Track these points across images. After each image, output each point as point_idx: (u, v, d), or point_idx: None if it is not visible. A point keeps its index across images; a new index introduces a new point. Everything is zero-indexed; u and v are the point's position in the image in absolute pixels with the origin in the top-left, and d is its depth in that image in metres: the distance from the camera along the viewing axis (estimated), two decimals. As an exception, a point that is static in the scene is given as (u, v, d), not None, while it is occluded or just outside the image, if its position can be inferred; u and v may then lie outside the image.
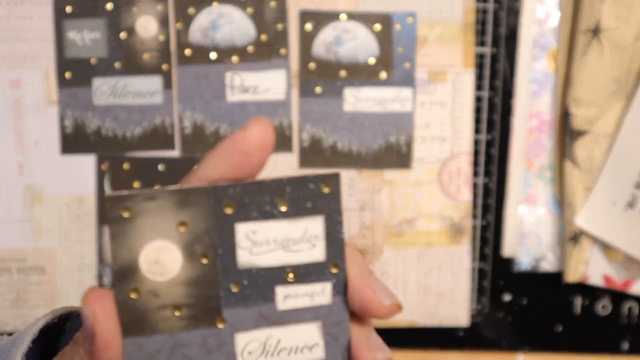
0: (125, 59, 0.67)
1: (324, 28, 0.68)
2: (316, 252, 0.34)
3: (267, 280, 0.33)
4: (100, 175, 0.68)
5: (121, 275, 0.32)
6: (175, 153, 0.68)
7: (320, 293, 0.34)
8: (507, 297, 0.73)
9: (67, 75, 0.67)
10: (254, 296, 0.33)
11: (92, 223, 0.68)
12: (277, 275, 0.34)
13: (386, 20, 0.68)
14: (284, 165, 0.68)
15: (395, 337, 0.69)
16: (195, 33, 0.67)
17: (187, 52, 0.67)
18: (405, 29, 0.68)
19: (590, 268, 0.71)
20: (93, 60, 0.67)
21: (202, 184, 0.32)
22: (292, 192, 0.33)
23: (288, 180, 0.33)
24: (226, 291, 0.33)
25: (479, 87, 0.70)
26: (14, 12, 0.66)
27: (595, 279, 0.71)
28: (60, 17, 0.66)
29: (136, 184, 0.67)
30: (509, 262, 0.72)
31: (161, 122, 0.67)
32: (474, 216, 0.71)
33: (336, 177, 0.33)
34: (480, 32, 0.69)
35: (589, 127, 0.68)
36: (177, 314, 0.33)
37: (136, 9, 0.66)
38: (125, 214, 0.32)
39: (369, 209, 0.69)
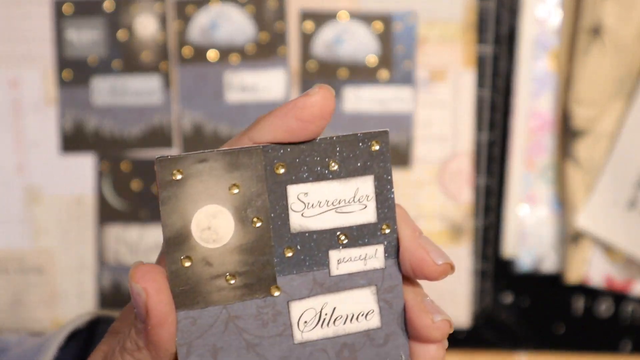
0: (124, 58, 0.67)
1: (324, 28, 0.68)
2: (367, 213, 0.33)
3: (320, 244, 0.32)
4: (100, 175, 0.67)
5: (173, 243, 0.31)
6: (174, 152, 0.68)
7: (373, 256, 0.33)
8: (508, 298, 0.72)
9: (66, 74, 0.67)
10: (308, 261, 0.32)
11: (91, 223, 0.68)
12: (329, 238, 0.32)
13: (386, 20, 0.68)
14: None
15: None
16: (195, 32, 0.67)
17: (186, 51, 0.67)
18: (405, 28, 0.68)
19: (591, 269, 0.70)
20: (92, 60, 0.67)
21: (253, 145, 0.31)
22: (342, 151, 0.32)
23: (338, 139, 0.32)
24: (280, 257, 0.32)
25: (479, 87, 0.69)
26: (12, 12, 0.66)
27: (597, 280, 0.71)
28: (59, 17, 0.66)
29: (135, 184, 0.67)
30: (509, 262, 0.72)
31: (160, 121, 0.67)
32: (475, 216, 0.70)
33: (386, 134, 0.32)
34: (481, 32, 0.69)
35: (590, 127, 0.68)
36: (231, 283, 0.31)
37: (135, 8, 0.66)
38: (177, 176, 0.31)
39: (368, 209, 0.69)
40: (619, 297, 0.72)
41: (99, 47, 0.67)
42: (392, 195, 0.33)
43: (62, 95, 0.67)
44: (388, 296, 0.33)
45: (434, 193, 0.70)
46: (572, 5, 0.68)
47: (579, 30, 0.67)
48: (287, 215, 0.32)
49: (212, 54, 0.67)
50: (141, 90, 0.67)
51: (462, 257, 0.70)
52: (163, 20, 0.67)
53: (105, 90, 0.67)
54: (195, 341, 0.31)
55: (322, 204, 0.32)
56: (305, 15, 0.68)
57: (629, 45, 0.66)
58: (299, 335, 0.33)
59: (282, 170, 0.32)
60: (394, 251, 0.33)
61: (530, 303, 0.72)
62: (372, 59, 0.68)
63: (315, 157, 0.32)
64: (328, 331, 0.33)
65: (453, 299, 0.70)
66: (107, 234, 0.68)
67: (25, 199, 0.67)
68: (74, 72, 0.67)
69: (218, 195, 0.31)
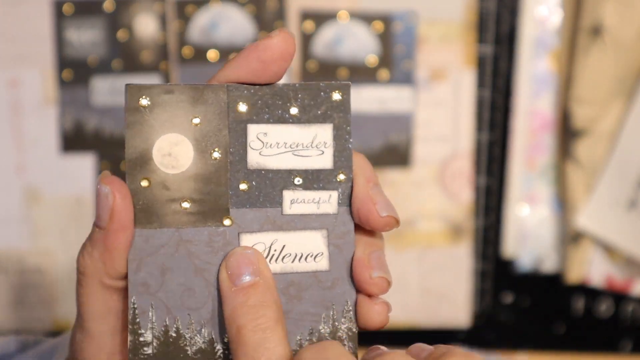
0: (124, 58, 0.67)
1: (324, 28, 0.68)
2: (324, 159, 0.34)
3: (275, 183, 0.34)
4: (99, 175, 0.67)
5: (134, 164, 0.33)
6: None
7: (327, 201, 0.34)
8: (508, 298, 0.72)
9: (66, 74, 0.67)
10: (262, 198, 0.34)
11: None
12: (285, 178, 0.34)
13: (386, 20, 0.68)
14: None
15: (396, 339, 0.68)
16: (194, 32, 0.67)
17: (186, 51, 0.67)
18: (405, 28, 0.68)
19: (592, 269, 0.70)
20: (91, 60, 0.67)
21: (218, 84, 0.34)
22: (304, 98, 0.34)
23: (301, 85, 0.34)
24: (235, 190, 0.34)
25: (479, 87, 0.69)
26: (12, 12, 0.66)
27: (597, 280, 0.71)
28: (58, 17, 0.66)
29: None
30: (510, 262, 0.72)
31: (160, 121, 0.67)
32: (475, 217, 0.70)
33: (347, 86, 0.34)
34: (481, 32, 0.69)
35: (591, 127, 0.68)
36: (185, 207, 0.33)
37: (134, 8, 0.66)
38: (144, 103, 0.33)
39: (369, 209, 0.69)
40: (619, 297, 0.72)
41: (99, 47, 0.67)
42: (350, 145, 0.34)
43: (62, 95, 0.67)
44: (339, 242, 0.34)
45: (434, 193, 0.70)
46: (572, 5, 0.68)
47: (579, 30, 0.67)
48: (245, 152, 0.34)
49: (212, 54, 0.67)
50: (141, 90, 0.67)
51: (462, 257, 0.70)
52: (163, 21, 0.67)
53: (105, 90, 0.67)
54: (146, 258, 0.33)
55: (280, 145, 0.34)
56: (305, 15, 0.68)
57: (629, 45, 0.66)
58: None
59: (244, 109, 0.34)
60: (348, 199, 0.34)
61: (530, 303, 0.72)
62: (372, 59, 0.68)
63: (277, 100, 0.34)
64: (276, 267, 0.34)
65: (453, 299, 0.70)
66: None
67: (25, 199, 0.67)
68: (74, 72, 0.67)
69: (181, 125, 0.33)
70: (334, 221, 0.34)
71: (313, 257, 0.35)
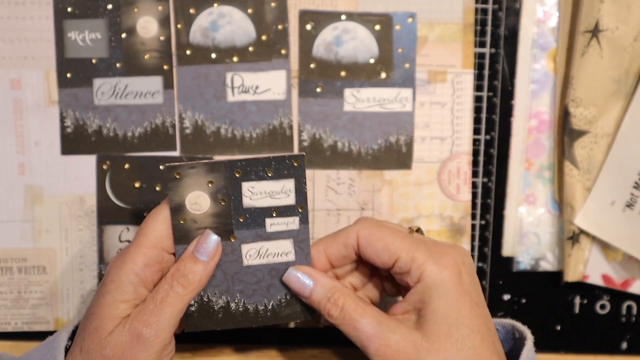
0: (126, 59, 0.67)
1: (324, 28, 0.68)
2: (289, 199, 0.58)
3: (260, 215, 0.57)
4: (101, 176, 0.68)
5: (175, 211, 0.56)
6: (175, 153, 0.68)
7: (292, 223, 0.58)
8: (506, 297, 0.73)
9: (68, 75, 0.67)
10: (253, 224, 0.57)
11: (93, 223, 0.68)
12: (266, 212, 0.57)
13: (386, 20, 0.68)
14: (284, 165, 0.68)
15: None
16: (196, 33, 0.67)
17: (188, 52, 0.67)
18: (405, 29, 0.68)
19: (590, 268, 0.71)
20: (94, 61, 0.67)
21: (222, 160, 0.56)
22: (275, 165, 0.57)
23: (273, 157, 0.56)
24: (236, 220, 0.57)
25: (478, 87, 0.70)
26: (14, 12, 0.66)
27: (595, 279, 0.71)
28: (60, 17, 0.66)
29: (137, 184, 0.67)
30: (508, 261, 0.72)
31: (162, 122, 0.68)
32: (474, 216, 0.71)
33: (302, 156, 0.57)
34: (480, 33, 0.69)
35: (589, 127, 0.68)
36: None
37: (137, 9, 0.66)
38: (177, 176, 0.56)
39: (369, 209, 0.69)
40: (617, 296, 0.73)
41: (101, 48, 0.67)
42: (305, 190, 0.57)
43: (63, 95, 0.67)
44: (301, 245, 0.58)
45: (434, 193, 0.70)
46: (569, 6, 0.69)
47: (576, 31, 0.67)
48: (241, 199, 0.57)
49: (213, 55, 0.67)
50: (143, 91, 0.67)
51: (461, 256, 0.70)
52: (165, 21, 0.67)
53: (107, 91, 0.67)
54: None
55: (262, 193, 0.57)
56: (305, 15, 0.68)
57: (627, 45, 0.66)
58: (246, 262, 0.58)
59: (238, 174, 0.57)
60: (305, 220, 0.58)
61: (528, 302, 0.73)
62: (372, 59, 0.68)
63: (259, 167, 0.57)
64: (263, 260, 0.58)
65: (452, 297, 0.71)
66: (108, 234, 0.68)
67: (27, 199, 0.68)
68: (75, 72, 0.67)
69: (201, 186, 0.56)
70: (297, 233, 0.58)
71: (285, 254, 0.58)
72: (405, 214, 0.70)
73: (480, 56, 0.70)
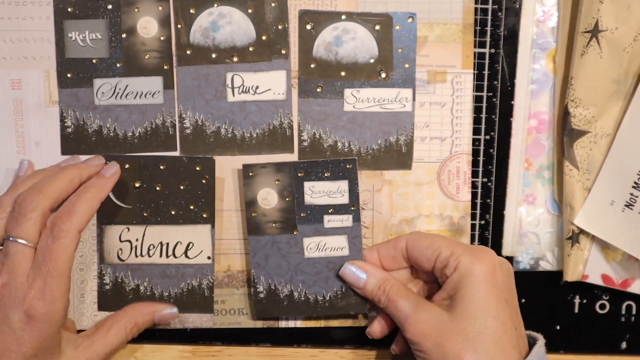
0: (126, 59, 0.67)
1: (324, 28, 0.68)
2: (344, 198, 0.65)
3: (319, 211, 0.66)
4: (101, 175, 0.67)
5: (248, 205, 0.65)
6: (176, 153, 0.68)
7: (346, 220, 0.65)
8: (506, 296, 0.73)
9: (68, 75, 0.67)
10: (313, 219, 0.66)
11: (93, 223, 0.68)
12: (324, 209, 0.65)
13: (386, 20, 0.68)
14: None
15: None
16: (196, 33, 0.67)
17: (188, 52, 0.67)
18: (405, 29, 0.68)
19: (589, 267, 0.71)
20: (94, 61, 0.67)
21: (288, 161, 0.65)
22: (332, 167, 0.65)
23: (330, 160, 0.65)
24: (299, 216, 0.65)
25: (478, 88, 0.70)
26: (15, 13, 0.66)
27: (594, 278, 0.71)
28: (61, 18, 0.66)
29: (137, 184, 0.67)
30: (508, 261, 0.72)
31: (162, 122, 0.68)
32: (473, 216, 0.71)
33: (354, 160, 0.65)
34: (480, 33, 0.69)
35: (588, 127, 0.68)
36: (275, 225, 0.66)
37: (137, 9, 0.67)
38: (251, 174, 0.65)
39: (369, 209, 0.69)
40: (616, 296, 0.73)
41: (101, 48, 0.67)
42: (358, 190, 0.65)
43: (64, 96, 0.67)
44: (354, 240, 0.66)
45: (434, 193, 0.70)
46: (569, 6, 0.69)
47: (576, 31, 0.67)
48: (303, 196, 0.65)
49: (213, 55, 0.67)
50: (143, 91, 0.67)
51: (461, 255, 0.70)
52: (165, 22, 0.67)
53: (108, 91, 0.67)
54: (258, 250, 0.66)
55: (321, 192, 0.65)
56: (305, 15, 0.68)
57: (627, 46, 0.66)
58: (307, 254, 0.66)
59: (301, 174, 0.65)
60: (358, 218, 0.65)
61: (527, 302, 0.73)
62: (372, 59, 0.68)
63: (318, 168, 0.65)
64: (321, 254, 0.66)
65: (452, 297, 0.71)
66: (108, 234, 0.68)
67: (27, 199, 0.67)
68: (76, 73, 0.67)
69: (270, 184, 0.65)
70: (351, 230, 0.66)
71: (341, 249, 0.66)
72: (405, 214, 0.70)
73: (480, 56, 0.70)
